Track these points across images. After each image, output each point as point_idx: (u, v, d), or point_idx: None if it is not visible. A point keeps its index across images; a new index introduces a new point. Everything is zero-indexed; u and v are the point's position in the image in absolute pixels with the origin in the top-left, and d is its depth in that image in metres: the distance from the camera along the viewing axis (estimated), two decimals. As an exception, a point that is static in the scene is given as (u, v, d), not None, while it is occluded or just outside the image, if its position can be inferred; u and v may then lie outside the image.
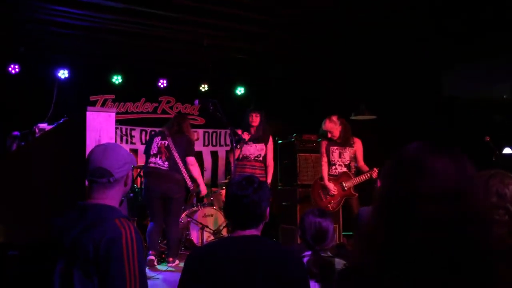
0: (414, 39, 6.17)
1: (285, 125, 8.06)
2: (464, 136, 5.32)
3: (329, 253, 2.35)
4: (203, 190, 5.53)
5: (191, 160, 5.37)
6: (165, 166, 5.27)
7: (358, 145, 5.39)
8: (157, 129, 8.10)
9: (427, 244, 0.96)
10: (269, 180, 5.55)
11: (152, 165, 5.31)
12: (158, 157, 5.31)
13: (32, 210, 3.45)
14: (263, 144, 5.61)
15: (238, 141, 5.32)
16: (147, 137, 8.01)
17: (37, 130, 5.02)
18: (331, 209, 5.33)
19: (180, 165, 5.29)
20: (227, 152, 8.42)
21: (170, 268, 5.17)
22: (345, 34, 6.46)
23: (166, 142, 5.35)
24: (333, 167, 5.39)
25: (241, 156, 5.48)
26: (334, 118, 5.34)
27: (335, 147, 5.37)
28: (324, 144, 5.43)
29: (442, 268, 0.93)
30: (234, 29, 6.55)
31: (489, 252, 0.96)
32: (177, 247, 5.43)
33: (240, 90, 8.67)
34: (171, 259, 5.28)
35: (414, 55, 6.45)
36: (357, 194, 5.29)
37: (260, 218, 1.96)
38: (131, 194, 6.51)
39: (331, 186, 5.33)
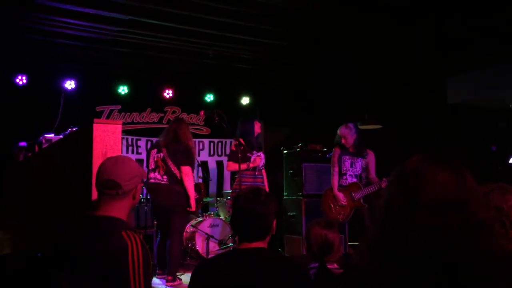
0: (418, 46, 6.17)
1: (290, 135, 8.07)
2: (469, 145, 5.30)
3: (336, 265, 2.34)
4: (192, 205, 5.14)
5: (185, 169, 5.06)
6: (164, 180, 5.09)
7: (371, 156, 5.35)
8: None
9: (426, 253, 0.98)
10: (267, 189, 5.41)
11: (152, 180, 5.15)
12: (157, 171, 5.15)
13: (38, 221, 3.46)
14: (262, 152, 5.54)
15: (245, 152, 5.21)
16: (153, 147, 8.03)
17: (44, 141, 5.06)
18: (341, 220, 5.28)
19: (179, 176, 5.07)
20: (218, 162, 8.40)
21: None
22: (349, 42, 6.48)
23: (162, 154, 5.17)
24: (344, 177, 5.34)
25: (251, 166, 5.35)
26: (351, 125, 5.32)
27: (347, 157, 5.33)
28: (336, 153, 5.38)
29: (441, 277, 0.95)
30: (239, 39, 6.59)
31: (490, 262, 0.97)
32: (176, 266, 5.11)
33: (245, 100, 8.70)
34: (170, 277, 4.99)
35: (419, 62, 6.45)
36: (366, 205, 5.24)
37: (267, 231, 1.96)
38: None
39: (340, 196, 5.28)
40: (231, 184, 7.85)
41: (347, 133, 5.27)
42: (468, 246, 0.97)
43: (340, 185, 5.32)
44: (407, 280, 0.99)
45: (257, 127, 5.49)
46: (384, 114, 6.96)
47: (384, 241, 1.06)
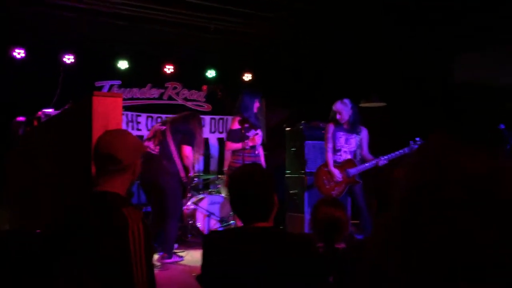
0: (424, 24, 6.04)
1: (293, 112, 7.99)
2: (477, 124, 5.22)
3: (343, 245, 2.28)
4: (191, 174, 5.13)
5: (186, 150, 5.00)
6: (156, 150, 4.98)
7: (364, 133, 5.29)
8: (163, 115, 8.08)
9: (452, 237, 0.92)
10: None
11: (145, 149, 4.94)
12: (152, 141, 5.05)
13: (37, 197, 3.40)
14: (260, 130, 5.40)
15: (250, 129, 5.06)
16: (153, 123, 7.94)
17: (43, 116, 4.97)
18: (334, 195, 5.23)
19: (174, 153, 4.96)
20: (219, 140, 8.29)
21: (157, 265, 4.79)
22: (354, 19, 6.33)
23: (164, 128, 5.11)
24: (338, 153, 5.28)
25: (250, 144, 5.20)
26: (346, 100, 5.22)
27: (341, 133, 5.26)
28: (330, 128, 5.29)
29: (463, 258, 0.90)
30: (242, 13, 6.43)
31: None
32: (171, 245, 5.03)
33: (247, 77, 8.56)
34: (166, 255, 4.91)
35: (425, 40, 6.32)
36: (360, 182, 5.20)
37: (268, 210, 1.89)
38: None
39: (336, 172, 5.22)
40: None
41: (342, 109, 5.19)
42: (496, 220, 0.92)
43: (335, 161, 5.26)
44: (425, 262, 0.93)
45: (256, 106, 5.36)
46: (389, 92, 6.87)
47: (401, 222, 1.00)
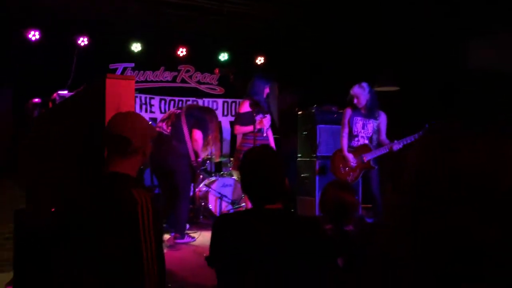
0: (438, 7, 5.95)
1: (305, 96, 7.96)
2: (488, 110, 5.16)
3: (351, 227, 2.31)
4: (200, 158, 5.17)
5: (197, 134, 5.04)
6: (168, 131, 5.01)
7: (382, 118, 5.20)
8: (176, 98, 8.12)
9: (448, 232, 0.94)
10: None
11: (156, 129, 5.00)
12: (165, 122, 5.09)
13: (51, 177, 3.47)
14: (269, 115, 5.39)
15: (259, 112, 5.07)
16: (166, 106, 8.00)
17: (57, 98, 5.04)
18: (350, 181, 5.22)
19: (186, 136, 4.99)
20: (232, 123, 8.26)
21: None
22: (367, 2, 6.27)
23: (179, 111, 5.16)
24: (356, 139, 5.22)
25: (257, 127, 5.17)
26: (364, 84, 5.13)
27: (359, 118, 5.19)
28: (347, 113, 5.22)
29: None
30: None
31: None
32: (183, 225, 5.09)
33: (260, 60, 8.54)
34: (178, 235, 4.98)
35: (438, 24, 6.23)
36: (376, 167, 5.16)
37: (280, 191, 1.91)
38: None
39: (350, 157, 5.19)
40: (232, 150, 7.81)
41: (359, 93, 5.10)
42: (495, 216, 0.92)
43: (350, 146, 5.23)
44: (428, 252, 0.95)
45: (267, 91, 5.35)
46: (402, 77, 6.81)
47: (411, 208, 1.02)
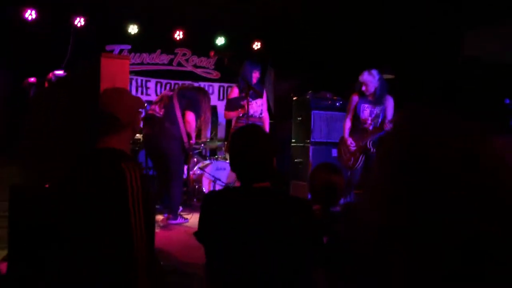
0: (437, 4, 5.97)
1: (301, 82, 7.98)
2: (483, 98, 5.21)
3: (338, 208, 2.37)
4: (193, 140, 5.20)
5: (189, 115, 5.03)
6: (160, 113, 5.02)
7: (389, 102, 5.06)
8: (172, 81, 8.12)
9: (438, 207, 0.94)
10: None
11: (150, 112, 5.08)
12: (157, 104, 5.11)
13: (46, 154, 3.51)
14: (261, 99, 5.46)
15: (243, 98, 5.12)
16: (162, 89, 8.01)
17: (53, 77, 5.05)
18: (351, 166, 5.16)
19: (179, 117, 4.99)
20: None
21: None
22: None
23: (171, 93, 5.18)
24: (363, 126, 5.10)
25: (241, 112, 5.30)
26: (374, 72, 4.98)
27: (366, 105, 5.06)
28: (354, 100, 5.11)
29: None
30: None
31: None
32: (176, 206, 5.14)
33: (257, 45, 8.54)
34: (171, 216, 5.04)
35: (436, 13, 6.25)
36: (372, 149, 5.03)
37: (268, 170, 1.94)
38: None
39: (349, 141, 5.12)
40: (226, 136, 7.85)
41: (369, 81, 4.96)
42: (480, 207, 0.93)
43: (356, 133, 5.14)
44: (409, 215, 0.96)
45: (255, 76, 5.39)
46: (398, 65, 6.83)
47: (385, 182, 1.03)
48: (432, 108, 1.06)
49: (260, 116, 5.48)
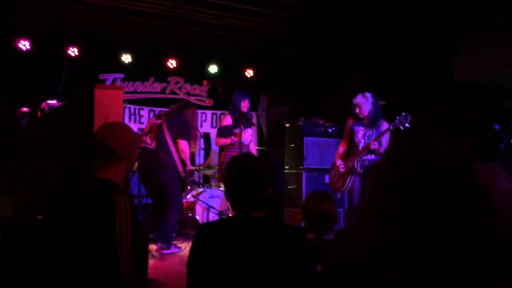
0: (426, 21, 6.09)
1: (293, 109, 8.05)
2: (472, 122, 5.25)
3: (331, 237, 2.37)
4: (189, 167, 5.20)
5: (182, 144, 5.05)
6: (152, 145, 5.06)
7: (383, 126, 4.99)
8: (165, 109, 8.15)
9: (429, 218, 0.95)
10: None
11: (142, 144, 5.06)
12: (148, 136, 5.12)
13: (39, 185, 3.49)
14: (251, 128, 5.54)
15: (235, 127, 5.25)
16: (155, 117, 8.05)
17: (46, 107, 5.07)
18: (341, 188, 5.10)
19: (171, 147, 5.02)
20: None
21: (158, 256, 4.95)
22: (357, 16, 6.39)
23: (159, 121, 5.16)
24: (357, 149, 5.03)
25: (235, 140, 5.38)
26: (368, 94, 5.00)
27: (360, 128, 5.05)
28: (348, 124, 5.13)
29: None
30: (244, 10, 6.50)
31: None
32: (170, 234, 5.14)
33: (249, 73, 8.64)
34: (164, 245, 5.01)
35: (427, 38, 6.36)
36: (359, 170, 4.98)
37: (263, 199, 1.92)
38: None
39: (338, 162, 5.11)
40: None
41: (362, 103, 4.96)
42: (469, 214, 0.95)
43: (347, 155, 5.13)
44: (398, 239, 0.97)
45: (244, 106, 5.46)
46: (389, 91, 6.91)
47: (377, 205, 1.04)
48: (423, 132, 1.08)
49: (249, 144, 5.54)
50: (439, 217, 0.96)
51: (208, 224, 2.00)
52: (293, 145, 6.64)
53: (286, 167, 6.74)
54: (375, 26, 6.46)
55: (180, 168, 5.07)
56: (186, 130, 5.13)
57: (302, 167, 6.36)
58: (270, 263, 1.79)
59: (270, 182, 1.98)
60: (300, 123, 6.54)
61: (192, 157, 5.84)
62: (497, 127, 4.66)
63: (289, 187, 6.56)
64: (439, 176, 0.98)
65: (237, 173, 1.93)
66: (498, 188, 1.46)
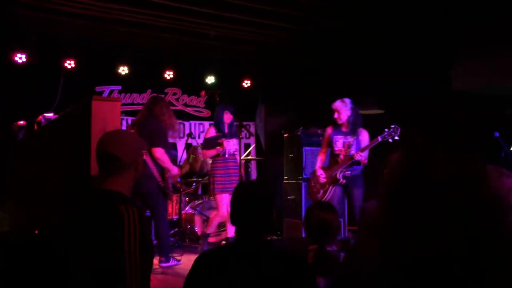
0: (424, 31, 6.10)
1: (291, 119, 8.03)
2: (473, 131, 5.25)
3: (334, 247, 2.33)
4: (174, 171, 4.98)
5: (157, 152, 4.72)
6: None
7: (363, 136, 4.99)
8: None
9: (434, 229, 0.94)
10: (242, 172, 5.68)
11: None
12: None
13: (37, 198, 3.45)
14: (236, 139, 5.49)
15: (219, 138, 5.33)
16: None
17: (43, 120, 5.04)
18: (319, 198, 5.06)
19: (147, 158, 4.80)
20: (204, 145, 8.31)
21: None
22: (353, 27, 6.41)
23: (133, 132, 4.79)
24: (337, 158, 5.02)
25: (225, 152, 5.40)
26: (347, 100, 4.98)
27: (339, 136, 5.02)
28: (327, 133, 5.12)
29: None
30: (241, 21, 6.51)
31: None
32: (167, 246, 5.03)
33: (246, 83, 8.63)
34: (163, 258, 4.88)
35: (424, 47, 6.38)
36: (341, 181, 4.93)
37: (267, 225, 1.94)
38: None
39: (319, 172, 5.08)
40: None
41: (340, 108, 4.94)
42: (478, 224, 0.94)
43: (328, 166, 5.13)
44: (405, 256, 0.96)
45: (227, 117, 5.48)
46: (387, 100, 6.91)
47: (393, 225, 1.03)
48: (422, 143, 1.09)
49: (234, 153, 5.52)
50: (439, 220, 0.95)
51: (204, 256, 1.96)
52: (292, 155, 6.61)
53: (285, 177, 6.70)
54: (375, 38, 6.47)
55: (158, 178, 4.81)
56: (159, 136, 4.82)
57: (301, 177, 6.32)
58: None
59: (273, 206, 1.99)
60: (299, 133, 6.52)
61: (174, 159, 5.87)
62: (497, 134, 4.65)
63: (288, 197, 6.52)
64: (438, 183, 0.98)
65: (242, 200, 1.96)
66: (507, 186, 1.45)
